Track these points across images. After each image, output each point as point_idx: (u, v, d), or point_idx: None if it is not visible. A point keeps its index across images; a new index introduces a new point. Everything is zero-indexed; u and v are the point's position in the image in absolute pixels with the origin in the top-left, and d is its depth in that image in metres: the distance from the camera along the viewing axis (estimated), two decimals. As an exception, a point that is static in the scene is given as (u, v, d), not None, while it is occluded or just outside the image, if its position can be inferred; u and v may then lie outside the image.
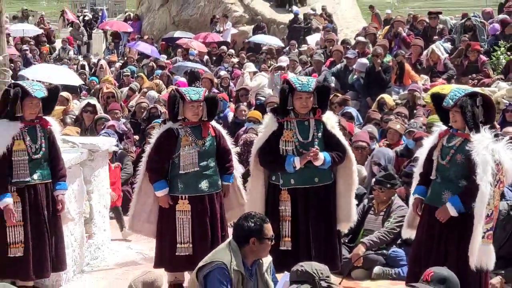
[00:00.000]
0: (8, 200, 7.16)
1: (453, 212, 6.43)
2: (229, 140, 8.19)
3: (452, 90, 7.04)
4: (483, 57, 15.52)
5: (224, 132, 8.22)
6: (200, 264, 5.94)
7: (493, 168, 6.25)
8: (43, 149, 7.54)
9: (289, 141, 7.40)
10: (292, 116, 7.45)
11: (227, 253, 5.84)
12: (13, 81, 8.03)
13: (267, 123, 7.67)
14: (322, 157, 7.14)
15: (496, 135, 6.75)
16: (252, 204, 7.61)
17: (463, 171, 6.57)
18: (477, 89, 8.07)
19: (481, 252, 6.36)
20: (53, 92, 8.00)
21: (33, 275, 7.46)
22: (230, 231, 7.55)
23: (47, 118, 7.67)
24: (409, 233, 7.21)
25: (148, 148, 7.88)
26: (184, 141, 7.57)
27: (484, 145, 6.34)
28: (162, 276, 6.08)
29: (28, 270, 7.38)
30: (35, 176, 7.44)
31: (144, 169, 7.74)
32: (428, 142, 7.21)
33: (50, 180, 7.57)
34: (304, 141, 7.39)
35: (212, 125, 7.87)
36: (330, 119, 7.70)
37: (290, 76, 8.32)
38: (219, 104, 10.52)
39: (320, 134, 7.49)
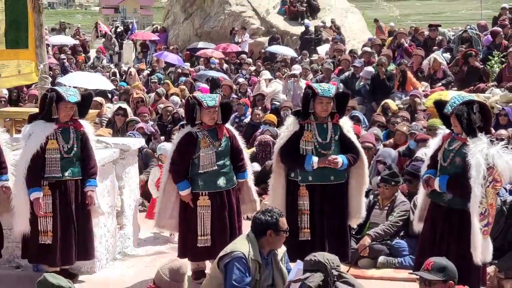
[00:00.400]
0: (38, 193, 7.26)
1: (436, 186, 6.59)
2: (241, 140, 8.17)
3: (452, 98, 6.97)
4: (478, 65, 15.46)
5: (236, 133, 8.25)
6: (221, 253, 5.92)
7: (484, 171, 6.22)
8: (75, 149, 7.59)
9: (309, 142, 7.34)
10: (312, 119, 7.39)
11: (246, 244, 5.83)
12: (51, 87, 8.00)
13: (289, 124, 7.60)
14: (341, 162, 7.12)
15: (491, 141, 6.67)
16: (274, 198, 7.60)
17: (460, 172, 6.50)
18: (475, 96, 7.98)
19: (483, 247, 6.33)
20: (87, 98, 8.11)
21: (59, 261, 7.53)
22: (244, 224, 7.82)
23: (81, 121, 7.71)
24: (419, 227, 7.13)
25: (170, 151, 7.88)
26: (203, 143, 7.56)
27: (479, 149, 6.32)
28: (187, 264, 6.01)
29: (55, 257, 7.47)
30: (66, 173, 7.51)
31: (167, 170, 7.71)
32: (433, 143, 7.16)
33: (81, 177, 7.60)
34: (323, 142, 7.34)
35: (226, 127, 7.87)
36: (346, 124, 7.67)
37: (314, 83, 8.26)
38: (232, 109, 10.46)
39: (337, 136, 7.43)
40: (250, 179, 8.18)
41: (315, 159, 7.20)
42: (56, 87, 7.87)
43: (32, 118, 7.67)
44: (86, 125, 7.88)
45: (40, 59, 8.42)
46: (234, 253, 5.75)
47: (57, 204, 7.48)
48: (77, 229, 7.59)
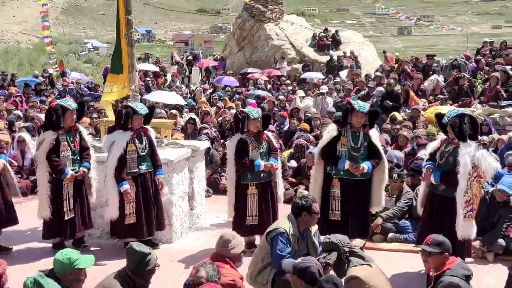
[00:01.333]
0: (126, 186, 7.46)
1: (432, 180, 6.66)
2: (275, 142, 8.31)
3: (449, 111, 6.98)
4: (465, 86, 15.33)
5: (272, 137, 8.34)
6: (268, 229, 5.98)
7: (470, 169, 6.28)
8: (147, 149, 7.73)
9: (344, 145, 7.31)
10: (348, 128, 7.34)
11: (287, 222, 5.85)
12: (125, 103, 8.23)
13: (330, 130, 7.60)
14: (366, 168, 7.13)
15: (478, 145, 6.74)
16: (313, 185, 7.59)
17: (453, 168, 6.51)
18: (466, 110, 7.99)
19: (465, 227, 6.38)
20: (151, 109, 8.38)
21: (145, 234, 7.65)
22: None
23: (147, 126, 7.89)
24: (421, 211, 7.18)
25: (230, 153, 7.90)
26: (251, 146, 7.64)
27: (467, 151, 6.37)
28: (243, 239, 6.04)
29: (141, 231, 7.63)
30: (143, 167, 7.68)
31: (233, 169, 7.78)
32: (431, 145, 7.19)
33: (152, 169, 7.74)
34: (355, 146, 7.30)
35: (265, 133, 7.94)
36: (374, 134, 7.64)
37: (353, 99, 8.27)
38: (271, 119, 10.46)
39: (366, 143, 7.37)
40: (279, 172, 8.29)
41: (347, 162, 7.17)
42: (129, 103, 7.96)
43: (111, 129, 7.87)
44: (151, 130, 8.03)
45: (132, 81, 8.60)
46: (278, 229, 5.80)
47: (140, 191, 7.63)
48: (154, 208, 7.78)
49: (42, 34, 31.80)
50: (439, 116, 7.04)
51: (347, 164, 7.19)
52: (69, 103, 7.85)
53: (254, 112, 7.86)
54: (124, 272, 5.03)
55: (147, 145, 7.74)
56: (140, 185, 7.64)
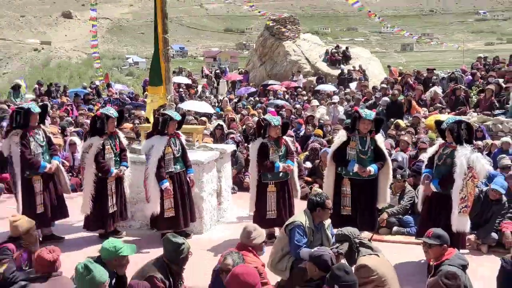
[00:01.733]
0: (166, 183, 7.50)
1: (433, 188, 6.65)
2: (292, 146, 8.28)
3: (447, 118, 7.01)
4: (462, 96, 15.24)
5: (290, 141, 8.31)
6: (287, 222, 6.03)
7: (465, 169, 6.30)
8: (180, 150, 7.81)
9: (353, 148, 7.34)
10: (356, 133, 7.36)
11: (303, 216, 5.89)
12: (161, 111, 8.29)
13: (340, 135, 7.64)
14: (373, 171, 7.17)
15: (474, 149, 6.73)
16: (326, 184, 7.62)
17: (449, 168, 6.53)
18: (463, 118, 8.00)
19: (459, 221, 6.41)
20: (183, 116, 8.54)
21: (182, 226, 7.71)
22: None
23: (178, 131, 8.00)
24: (421, 207, 7.14)
25: (253, 155, 7.93)
26: (271, 150, 7.70)
27: (463, 153, 6.38)
28: (264, 231, 6.08)
29: (179, 223, 7.69)
30: (177, 167, 7.75)
31: (255, 169, 7.80)
32: (431, 149, 7.17)
33: (184, 169, 7.82)
34: (362, 149, 7.33)
35: (283, 138, 7.96)
36: (379, 138, 7.66)
37: (360, 108, 8.26)
38: (290, 126, 10.53)
39: (372, 147, 7.39)
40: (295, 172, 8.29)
41: (356, 165, 7.21)
42: (166, 111, 8.00)
43: (149, 135, 7.87)
44: (182, 134, 8.14)
45: (168, 92, 8.64)
46: (295, 222, 5.84)
47: (176, 188, 7.65)
48: (188, 202, 7.84)
49: (90, 51, 32.19)
50: (438, 123, 7.06)
51: (356, 167, 7.22)
52: (111, 111, 7.97)
53: (275, 120, 7.90)
54: (161, 259, 5.11)
55: (180, 148, 7.80)
56: (176, 183, 7.67)
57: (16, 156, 7.38)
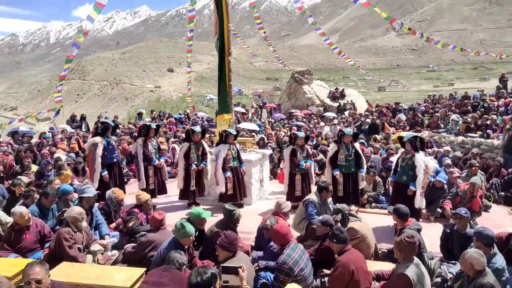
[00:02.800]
0: (229, 173, 7.55)
1: (413, 188, 6.28)
2: (310, 151, 8.21)
3: (407, 134, 6.84)
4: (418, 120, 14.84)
5: (309, 148, 8.25)
6: (304, 199, 6.00)
7: (424, 168, 6.18)
8: (236, 153, 7.81)
9: (342, 154, 7.25)
10: (342, 144, 7.30)
11: (315, 196, 5.89)
12: (225, 129, 8.12)
13: (332, 147, 7.57)
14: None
15: (425, 154, 6.66)
16: (327, 177, 7.51)
17: (410, 167, 6.33)
18: (418, 134, 7.75)
19: (420, 201, 6.28)
20: (238, 132, 8.62)
21: (238, 199, 7.68)
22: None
23: (235, 141, 7.93)
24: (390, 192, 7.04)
25: (286, 156, 7.84)
26: (298, 153, 7.62)
27: (421, 158, 6.27)
28: (289, 203, 6.03)
29: (236, 197, 7.65)
30: (235, 163, 7.72)
31: (288, 164, 7.74)
32: (396, 156, 6.97)
33: (239, 164, 7.77)
34: (348, 154, 7.25)
35: (306, 145, 7.88)
36: (357, 145, 7.52)
37: (343, 128, 8.11)
38: (310, 138, 10.37)
39: (353, 151, 7.30)
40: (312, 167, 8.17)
41: (337, 172, 7.23)
42: (227, 129, 7.91)
43: (218, 143, 7.86)
44: (237, 143, 8.07)
45: (233, 119, 8.62)
46: (309, 199, 5.80)
47: (234, 176, 7.65)
48: (242, 185, 7.81)
49: (185, 91, 32.67)
50: (400, 138, 6.93)
51: (337, 173, 7.22)
52: (196, 128, 8.05)
53: (300, 134, 7.88)
54: (223, 220, 5.16)
55: (236, 151, 7.80)
56: (234, 173, 7.66)
57: (140, 154, 7.58)
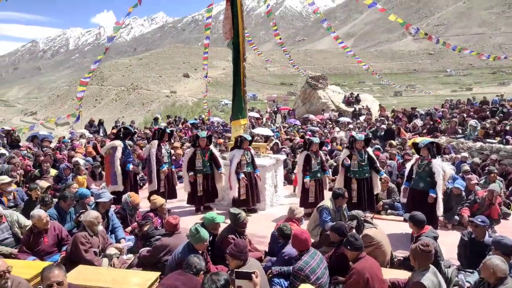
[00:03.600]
0: (242, 175, 7.52)
1: (433, 195, 6.13)
2: (324, 157, 8.12)
3: (422, 140, 6.77)
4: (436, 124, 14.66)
5: (323, 154, 8.26)
6: (318, 205, 5.94)
7: (442, 174, 6.09)
8: (250, 158, 7.78)
9: (354, 160, 7.15)
10: (355, 150, 7.19)
11: (329, 202, 5.83)
12: (240, 135, 8.09)
13: (344, 153, 7.45)
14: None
15: (442, 160, 6.52)
16: (339, 182, 7.37)
17: (428, 174, 6.22)
18: (435, 140, 7.60)
19: (441, 208, 6.19)
20: (253, 137, 8.47)
21: (251, 204, 7.65)
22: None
23: (249, 146, 7.89)
24: (403, 200, 6.85)
25: (300, 162, 7.77)
26: (313, 160, 7.53)
27: (438, 163, 6.17)
28: (302, 209, 6.00)
29: (249, 203, 7.63)
30: (249, 168, 7.74)
31: (301, 169, 7.65)
32: (410, 162, 6.80)
33: (253, 170, 7.76)
34: (361, 159, 7.15)
35: (320, 152, 7.84)
36: (370, 150, 7.42)
37: (354, 133, 7.96)
38: (324, 144, 10.32)
39: (366, 156, 7.20)
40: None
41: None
42: (242, 134, 7.89)
43: (232, 148, 7.89)
44: (251, 148, 8.00)
45: (247, 124, 8.62)
46: (324, 205, 5.76)
47: (248, 181, 7.60)
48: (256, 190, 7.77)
49: (201, 96, 32.94)
50: (415, 144, 6.78)
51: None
52: (201, 133, 8.00)
53: (315, 139, 7.82)
54: (230, 225, 5.16)
55: (250, 157, 7.79)
56: (247, 178, 7.64)
57: (153, 156, 7.63)
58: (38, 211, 5.03)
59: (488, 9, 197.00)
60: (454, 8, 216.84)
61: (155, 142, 7.75)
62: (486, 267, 3.56)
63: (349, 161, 7.14)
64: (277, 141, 13.82)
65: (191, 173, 7.70)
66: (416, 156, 6.64)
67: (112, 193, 7.39)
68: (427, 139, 6.54)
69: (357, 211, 5.41)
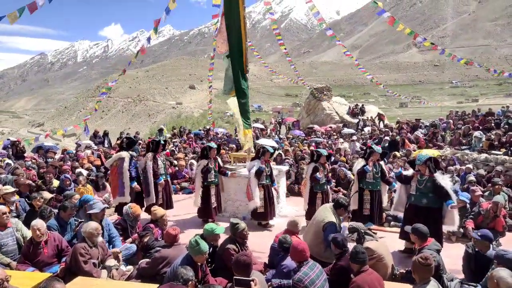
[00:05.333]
0: (261, 187, 7.50)
1: (453, 204, 5.85)
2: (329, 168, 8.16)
3: (418, 156, 6.42)
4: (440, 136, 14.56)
5: (328, 166, 8.16)
6: (323, 223, 5.67)
7: (450, 186, 5.94)
8: (270, 171, 7.77)
9: (370, 171, 7.08)
10: (370, 160, 7.11)
11: (333, 217, 5.67)
12: (263, 145, 8.06)
13: (359, 162, 7.37)
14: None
15: (442, 172, 6.35)
16: (354, 196, 7.26)
17: (430, 189, 5.95)
18: (430, 154, 7.39)
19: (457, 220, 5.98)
20: (263, 149, 8.07)
21: (268, 218, 7.59)
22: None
23: (270, 159, 7.93)
24: (395, 212, 6.81)
25: (308, 173, 7.72)
26: (320, 170, 7.50)
27: (440, 177, 5.98)
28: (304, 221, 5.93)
29: (267, 217, 7.60)
30: (267, 181, 7.68)
31: (309, 181, 7.60)
32: (408, 171, 6.59)
33: (270, 182, 7.70)
34: (376, 171, 7.12)
35: (327, 163, 7.85)
36: (383, 163, 7.37)
37: (373, 145, 7.80)
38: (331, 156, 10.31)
39: (380, 169, 7.16)
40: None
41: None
42: (265, 146, 7.90)
43: (253, 159, 7.80)
44: (272, 161, 8.16)
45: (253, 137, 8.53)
46: (330, 222, 5.58)
47: (266, 194, 7.56)
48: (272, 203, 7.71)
49: (206, 108, 33.05)
50: (412, 161, 6.59)
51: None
52: (212, 144, 8.07)
53: (324, 152, 7.78)
54: (231, 236, 5.09)
55: (270, 169, 7.78)
56: (265, 191, 7.59)
57: (150, 169, 7.59)
58: (35, 222, 5.02)
59: (493, 20, 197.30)
60: (459, 20, 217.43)
61: (150, 155, 7.73)
62: (492, 278, 3.49)
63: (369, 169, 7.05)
64: (280, 152, 13.77)
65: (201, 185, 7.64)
66: (412, 170, 6.37)
67: (118, 204, 7.41)
68: (423, 155, 6.26)
69: (357, 223, 5.34)
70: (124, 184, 7.30)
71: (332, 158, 13.35)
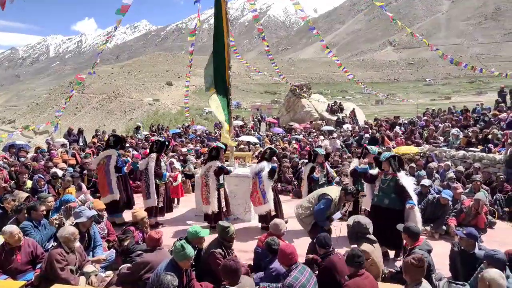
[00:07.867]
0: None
1: (412, 204, 5.52)
2: (329, 169, 7.93)
3: (383, 153, 6.24)
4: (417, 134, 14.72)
5: (328, 165, 8.09)
6: (323, 191, 5.75)
7: (414, 188, 5.91)
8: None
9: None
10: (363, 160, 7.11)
11: (335, 194, 5.66)
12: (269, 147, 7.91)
13: (354, 162, 7.34)
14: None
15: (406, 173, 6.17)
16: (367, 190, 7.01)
17: (392, 190, 5.70)
18: (394, 151, 7.35)
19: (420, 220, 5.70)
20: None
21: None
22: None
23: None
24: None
25: (306, 173, 7.60)
26: (317, 170, 7.41)
27: (404, 178, 5.75)
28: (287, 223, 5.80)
29: (267, 219, 7.02)
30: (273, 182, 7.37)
31: (307, 181, 7.51)
32: (374, 170, 6.29)
33: (275, 184, 7.71)
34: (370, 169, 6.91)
35: (325, 163, 7.73)
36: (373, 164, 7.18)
37: (369, 146, 7.73)
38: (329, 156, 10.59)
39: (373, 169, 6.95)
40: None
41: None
42: (272, 147, 7.69)
43: (259, 161, 7.41)
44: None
45: (231, 131, 8.37)
46: (328, 196, 5.57)
47: (275, 196, 7.31)
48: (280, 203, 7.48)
49: (184, 105, 32.60)
50: (375, 158, 6.29)
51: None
52: (222, 145, 7.67)
53: (321, 151, 7.68)
54: (217, 238, 4.88)
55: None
56: (274, 192, 7.31)
57: (151, 170, 7.34)
58: (9, 227, 4.72)
59: (466, 20, 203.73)
60: (433, 19, 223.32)
61: (154, 155, 7.43)
62: (483, 280, 3.46)
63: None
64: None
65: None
66: (377, 170, 6.12)
67: (109, 202, 7.14)
68: (387, 153, 6.12)
69: (365, 219, 5.15)
70: (112, 181, 7.17)
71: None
